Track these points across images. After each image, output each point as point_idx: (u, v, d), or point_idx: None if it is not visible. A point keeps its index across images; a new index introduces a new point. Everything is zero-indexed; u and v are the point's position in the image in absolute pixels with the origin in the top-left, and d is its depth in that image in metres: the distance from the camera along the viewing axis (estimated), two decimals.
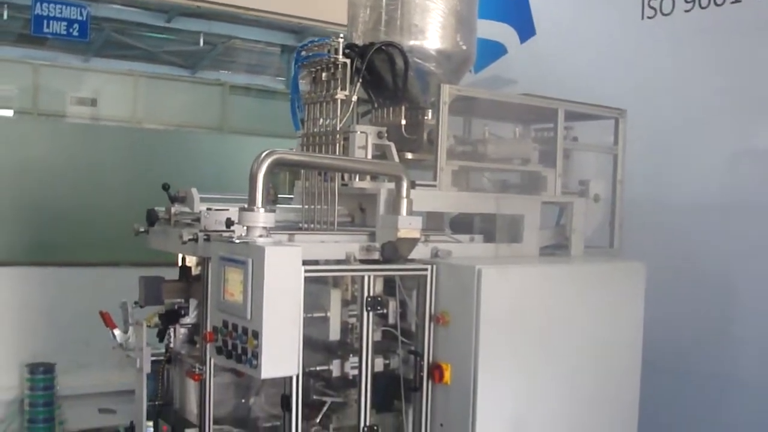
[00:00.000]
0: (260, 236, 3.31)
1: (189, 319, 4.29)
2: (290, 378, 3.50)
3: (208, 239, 3.68)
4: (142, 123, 9.71)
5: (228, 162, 7.48)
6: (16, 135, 7.97)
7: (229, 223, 3.50)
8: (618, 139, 4.94)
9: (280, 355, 3.27)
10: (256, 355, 3.22)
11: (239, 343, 3.31)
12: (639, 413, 4.51)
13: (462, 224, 4.49)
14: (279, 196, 4.65)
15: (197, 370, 4.02)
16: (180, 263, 4.37)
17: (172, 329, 4.29)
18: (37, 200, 7.62)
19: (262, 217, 3.31)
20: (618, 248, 4.93)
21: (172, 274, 4.34)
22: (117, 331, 4.27)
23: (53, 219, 7.66)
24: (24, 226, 7.56)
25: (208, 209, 3.88)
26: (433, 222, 4.43)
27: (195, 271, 4.31)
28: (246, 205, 3.35)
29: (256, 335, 3.21)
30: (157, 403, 4.35)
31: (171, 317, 4.25)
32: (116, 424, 4.92)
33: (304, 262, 3.38)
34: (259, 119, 10.04)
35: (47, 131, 8.34)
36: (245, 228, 3.35)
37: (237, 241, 3.34)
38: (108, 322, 4.28)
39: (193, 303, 4.27)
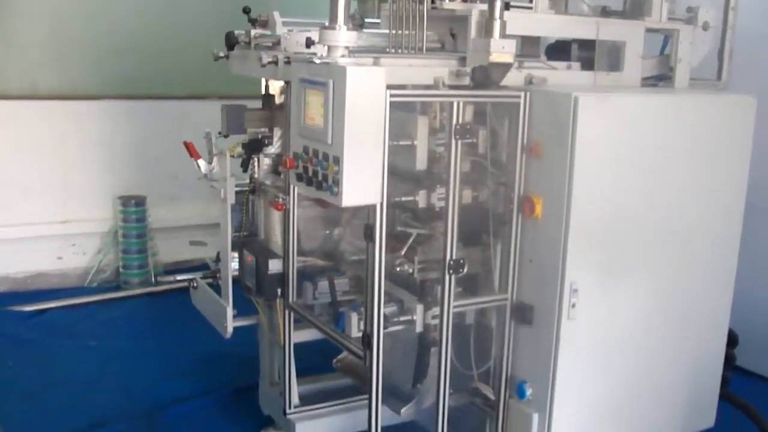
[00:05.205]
0: (342, 56, 3.14)
1: (273, 149, 4.21)
2: (374, 208, 3.35)
3: (288, 62, 3.53)
4: None
5: None
6: None
7: (309, 42, 3.33)
8: None
9: (362, 183, 3.16)
10: (337, 182, 3.11)
11: (320, 170, 3.20)
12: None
13: (558, 50, 4.21)
14: (366, 20, 4.45)
15: (280, 199, 3.96)
16: (263, 91, 4.26)
17: (255, 159, 4.23)
18: (125, 34, 7.52)
19: (344, 36, 3.14)
20: (726, 81, 4.59)
21: (257, 105, 4.24)
22: (201, 162, 4.20)
23: (141, 52, 7.56)
24: (112, 60, 7.48)
25: (290, 31, 3.71)
26: (527, 47, 4.17)
27: (278, 100, 4.20)
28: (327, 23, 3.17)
29: (337, 161, 3.09)
30: (242, 233, 4.32)
31: (254, 146, 4.17)
32: (206, 256, 4.91)
33: (391, 87, 3.20)
34: None
35: None
36: (326, 48, 3.18)
37: (317, 61, 3.17)
38: (192, 152, 4.21)
39: (276, 132, 4.17)
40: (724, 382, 4.49)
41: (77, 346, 6.13)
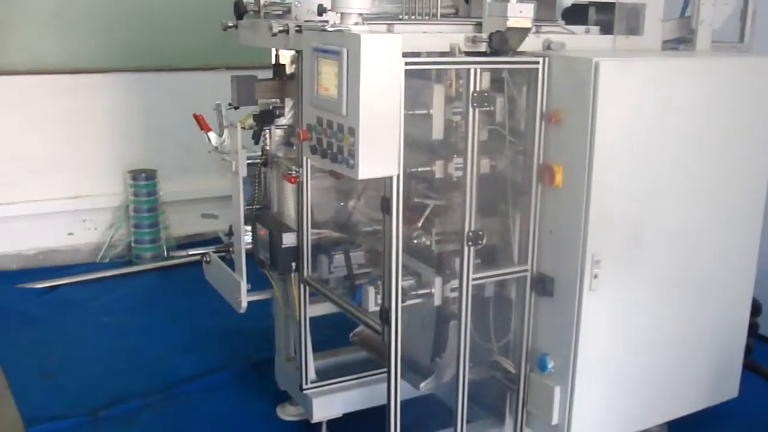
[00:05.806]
0: (356, 24, 3.04)
1: (285, 120, 4.12)
2: (390, 179, 3.26)
3: (299, 30, 3.43)
4: None
5: None
6: None
7: (321, 10, 3.22)
8: None
9: (379, 154, 3.05)
10: (353, 154, 3.01)
11: (335, 141, 3.10)
12: None
13: (576, 14, 4.09)
14: None
15: (294, 172, 3.88)
16: (274, 61, 4.17)
17: (267, 131, 4.14)
18: (131, 6, 7.42)
19: (357, 2, 3.02)
20: (749, 44, 4.46)
21: (267, 75, 4.15)
22: (212, 134, 4.12)
23: (148, 24, 7.47)
24: (119, 32, 7.39)
25: None
26: (543, 11, 4.04)
27: (290, 69, 4.10)
28: None
29: (353, 132, 2.98)
30: (254, 207, 4.25)
31: (266, 118, 4.08)
32: (218, 229, 4.85)
33: (405, 55, 3.09)
34: None
35: None
36: (339, 15, 3.08)
37: (330, 29, 3.06)
38: (202, 124, 4.13)
39: (288, 103, 4.08)
40: (747, 350, 4.42)
41: (91, 323, 6.10)
